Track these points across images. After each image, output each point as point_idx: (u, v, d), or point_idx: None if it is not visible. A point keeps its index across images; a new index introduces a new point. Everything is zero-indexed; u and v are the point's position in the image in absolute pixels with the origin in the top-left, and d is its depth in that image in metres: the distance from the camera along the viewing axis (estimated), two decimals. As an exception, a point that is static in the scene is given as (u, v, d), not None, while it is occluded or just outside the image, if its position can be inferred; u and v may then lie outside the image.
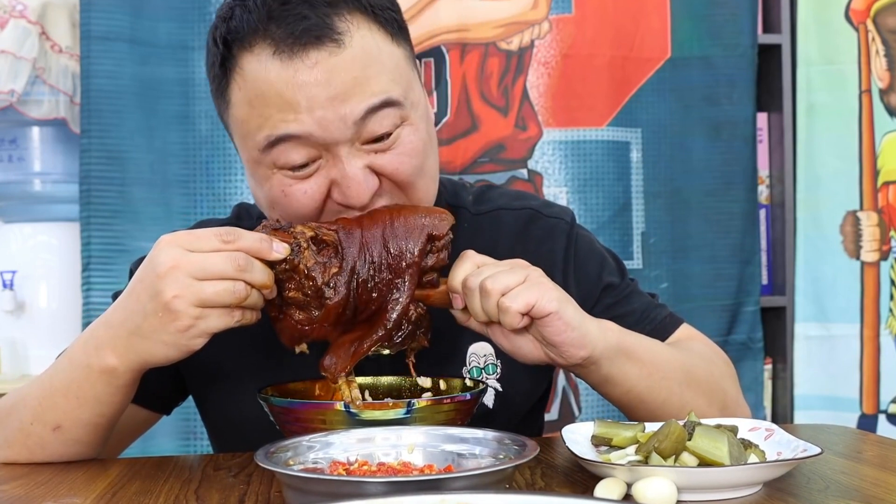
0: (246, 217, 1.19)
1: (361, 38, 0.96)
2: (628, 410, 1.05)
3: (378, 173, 0.99)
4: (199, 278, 0.86)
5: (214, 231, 0.88)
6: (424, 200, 1.04)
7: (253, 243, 0.88)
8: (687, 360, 1.06)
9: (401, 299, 0.94)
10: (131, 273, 1.18)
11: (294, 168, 0.97)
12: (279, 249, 0.89)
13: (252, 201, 1.23)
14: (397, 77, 0.99)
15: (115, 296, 1.16)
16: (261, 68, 0.95)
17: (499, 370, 1.12)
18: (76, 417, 0.96)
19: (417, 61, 1.07)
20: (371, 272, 0.94)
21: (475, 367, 1.11)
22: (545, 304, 0.91)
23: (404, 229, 0.95)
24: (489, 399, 1.12)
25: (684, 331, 1.17)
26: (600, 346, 0.96)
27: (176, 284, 0.85)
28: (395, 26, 1.01)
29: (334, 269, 0.92)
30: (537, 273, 0.95)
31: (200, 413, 1.20)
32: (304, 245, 0.91)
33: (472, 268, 0.95)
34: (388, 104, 0.97)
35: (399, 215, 0.96)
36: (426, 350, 1.00)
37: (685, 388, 1.03)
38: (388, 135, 0.98)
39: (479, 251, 0.98)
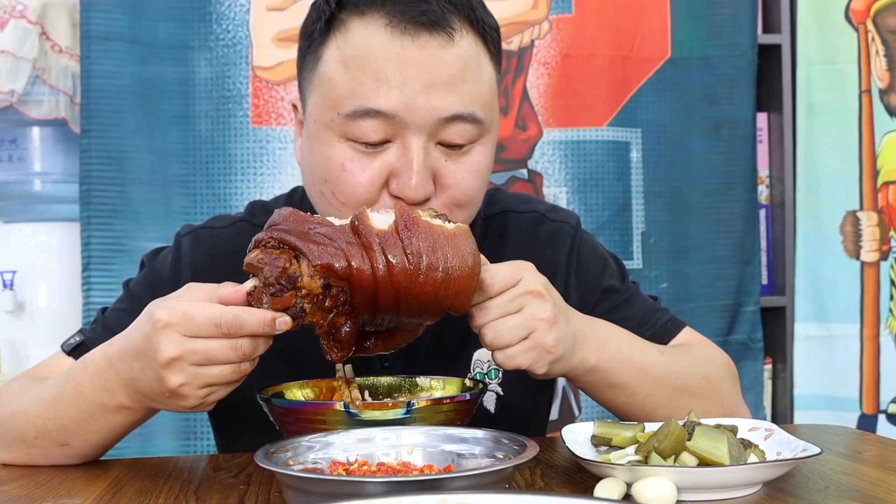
0: (260, 213, 1.18)
1: (468, 45, 0.99)
2: (615, 414, 1.07)
3: (437, 184, 0.99)
4: (204, 365, 0.84)
5: (215, 320, 0.83)
6: None
7: (256, 329, 0.84)
8: (682, 369, 1.06)
9: (411, 336, 0.92)
10: (142, 265, 1.18)
11: (365, 143, 0.98)
12: (281, 327, 0.85)
13: (263, 199, 1.22)
14: (488, 96, 1.01)
15: (127, 285, 1.16)
16: (367, 34, 0.97)
17: (500, 374, 1.13)
18: (86, 440, 0.97)
19: None
20: (380, 324, 0.89)
21: (478, 371, 1.12)
22: (536, 369, 0.93)
23: (420, 308, 0.86)
24: (490, 403, 1.13)
25: (686, 335, 1.17)
26: (576, 372, 0.98)
27: (181, 374, 0.84)
28: (495, 49, 1.04)
29: (341, 319, 0.87)
30: (544, 326, 0.91)
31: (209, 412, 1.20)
32: (308, 308, 0.85)
33: (481, 298, 0.91)
34: (473, 119, 0.99)
35: (416, 289, 0.85)
36: (433, 356, 1.01)
37: (675, 399, 1.04)
38: (462, 146, 1.00)
39: (487, 254, 0.98)
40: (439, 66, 0.96)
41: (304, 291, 0.84)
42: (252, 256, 0.86)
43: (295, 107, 1.10)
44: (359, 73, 0.97)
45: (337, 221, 0.88)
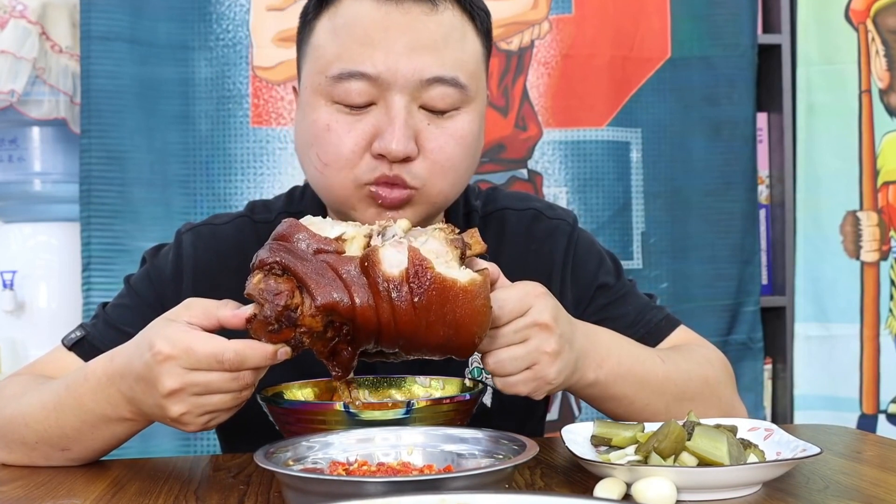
0: (261, 211, 1.19)
1: (452, 16, 1.03)
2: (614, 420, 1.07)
3: (419, 147, 1.01)
4: (205, 394, 0.85)
5: (217, 357, 0.83)
6: (441, 204, 1.06)
7: (258, 364, 0.84)
8: (681, 375, 1.06)
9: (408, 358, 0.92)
10: (143, 261, 1.18)
11: (350, 106, 1.01)
12: (282, 357, 0.85)
13: (262, 197, 1.22)
14: (472, 65, 1.04)
15: (128, 280, 1.16)
16: (355, 5, 1.02)
17: None
18: (87, 446, 0.97)
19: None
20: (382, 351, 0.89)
21: (476, 366, 1.12)
22: (535, 396, 0.94)
23: (422, 352, 0.86)
24: (487, 397, 1.13)
25: (681, 334, 1.17)
26: (574, 388, 0.99)
27: (182, 405, 0.85)
28: (483, 27, 1.07)
29: (342, 346, 0.86)
30: (548, 360, 0.90)
31: None
32: (307, 342, 0.84)
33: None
34: (455, 83, 1.02)
35: (419, 339, 0.84)
36: None
37: (673, 406, 1.04)
38: (444, 112, 1.03)
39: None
40: (422, 29, 1.00)
41: (303, 328, 0.83)
42: (253, 285, 0.83)
43: (295, 90, 1.13)
44: (346, 39, 1.01)
45: (350, 230, 0.87)
